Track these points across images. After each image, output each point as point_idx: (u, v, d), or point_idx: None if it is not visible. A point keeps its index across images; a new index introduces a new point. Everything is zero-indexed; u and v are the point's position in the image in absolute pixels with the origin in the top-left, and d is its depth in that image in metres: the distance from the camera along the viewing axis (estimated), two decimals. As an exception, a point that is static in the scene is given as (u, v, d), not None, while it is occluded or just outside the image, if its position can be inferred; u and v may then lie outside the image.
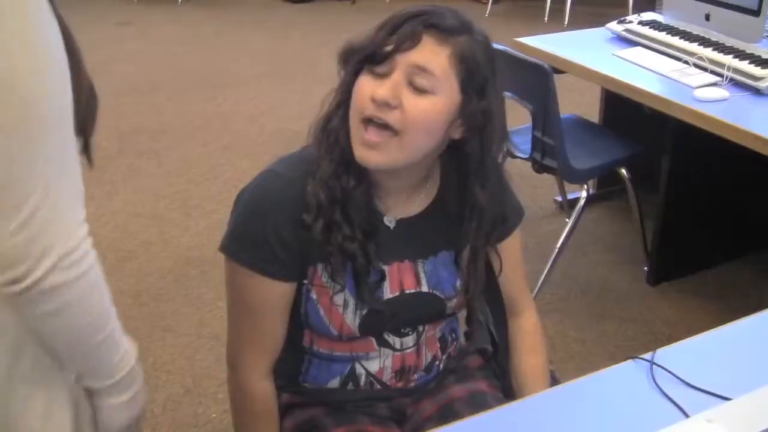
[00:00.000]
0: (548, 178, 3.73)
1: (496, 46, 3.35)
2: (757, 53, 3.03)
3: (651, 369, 1.48)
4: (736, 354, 1.55)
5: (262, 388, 1.61)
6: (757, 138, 2.58)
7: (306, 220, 1.47)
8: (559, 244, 3.32)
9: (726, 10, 3.23)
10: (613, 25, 3.55)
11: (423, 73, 1.39)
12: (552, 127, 3.10)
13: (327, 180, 1.46)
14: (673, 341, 1.59)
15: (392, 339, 1.62)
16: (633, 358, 1.52)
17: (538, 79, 3.03)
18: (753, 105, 2.83)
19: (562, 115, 3.12)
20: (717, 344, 1.59)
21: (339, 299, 1.53)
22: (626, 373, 1.50)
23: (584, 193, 3.36)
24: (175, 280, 3.48)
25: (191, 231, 3.87)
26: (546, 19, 7.20)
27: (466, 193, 1.54)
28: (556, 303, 3.31)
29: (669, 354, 1.53)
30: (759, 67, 2.92)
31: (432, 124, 1.43)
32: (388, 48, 1.40)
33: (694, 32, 3.29)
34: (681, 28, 3.35)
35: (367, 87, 1.42)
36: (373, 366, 1.63)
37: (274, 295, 1.53)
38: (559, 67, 3.30)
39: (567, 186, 3.77)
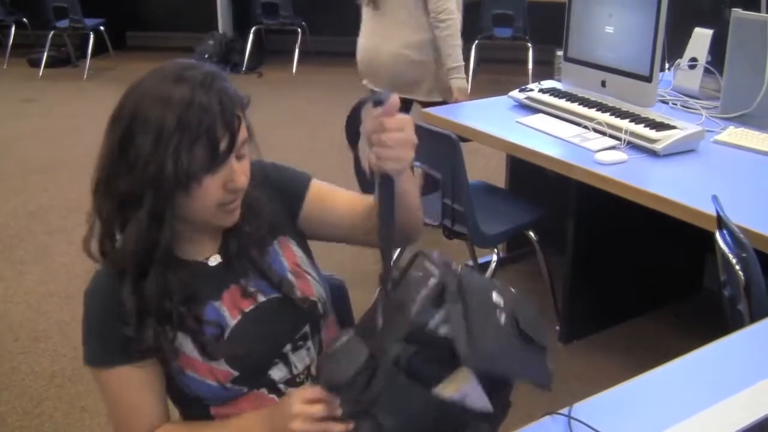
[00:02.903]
0: (460, 244, 3.81)
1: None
2: (651, 117, 3.18)
3: (569, 423, 1.54)
4: (649, 403, 1.62)
5: None
6: (655, 197, 2.70)
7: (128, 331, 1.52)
8: (472, 307, 3.39)
9: (620, 77, 3.39)
10: (515, 94, 3.67)
11: (243, 144, 1.50)
12: (460, 194, 3.18)
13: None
14: (588, 396, 1.64)
15: (284, 387, 1.63)
16: (551, 413, 1.57)
17: (445, 148, 3.12)
18: (650, 166, 2.96)
19: (469, 182, 3.22)
20: (630, 395, 1.65)
21: (190, 351, 1.56)
22: (545, 430, 1.55)
23: (495, 257, 3.46)
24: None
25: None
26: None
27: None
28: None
29: (585, 408, 1.58)
30: (654, 130, 3.06)
31: None
32: (224, 147, 1.45)
33: (592, 98, 3.44)
34: (579, 95, 3.50)
35: (212, 186, 1.48)
36: (279, 375, 1.64)
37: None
38: (466, 136, 3.40)
39: (478, 251, 3.86)
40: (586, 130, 3.22)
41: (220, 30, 8.86)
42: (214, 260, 1.62)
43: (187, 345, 1.54)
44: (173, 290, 1.52)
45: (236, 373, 1.56)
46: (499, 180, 4.08)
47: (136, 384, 1.54)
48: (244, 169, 1.51)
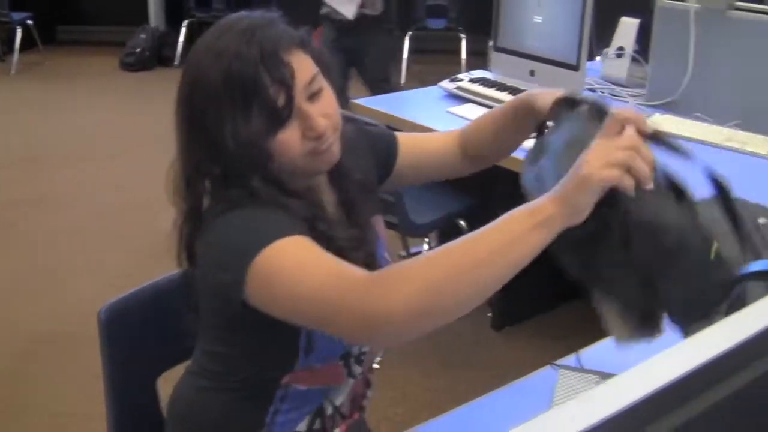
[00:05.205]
0: (391, 234, 3.81)
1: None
2: (578, 105, 3.21)
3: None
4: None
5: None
6: (583, 184, 2.72)
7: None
8: (405, 296, 3.40)
9: (549, 66, 3.42)
10: (446, 84, 3.69)
11: (312, 82, 1.41)
12: (391, 183, 3.18)
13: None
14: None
15: (355, 367, 1.59)
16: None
17: (375, 138, 3.12)
18: (577, 153, 2.99)
19: (400, 172, 3.21)
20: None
21: None
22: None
23: (426, 246, 3.47)
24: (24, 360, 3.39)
25: (44, 307, 3.77)
26: (383, 79, 7.38)
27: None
28: (405, 354, 3.38)
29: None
30: (581, 118, 3.09)
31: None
32: (282, 101, 1.36)
33: (521, 87, 3.46)
34: (509, 84, 3.52)
35: (291, 139, 1.40)
36: (339, 399, 1.61)
37: None
38: (396, 126, 3.40)
39: (410, 240, 3.87)
40: (515, 119, 3.24)
41: (152, 23, 8.76)
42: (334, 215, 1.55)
43: None
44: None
45: None
46: (432, 170, 4.09)
47: (318, 247, 1.33)
48: (323, 109, 1.41)
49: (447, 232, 3.97)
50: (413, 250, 3.83)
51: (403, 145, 1.72)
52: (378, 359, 3.22)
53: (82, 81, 7.74)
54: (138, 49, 8.30)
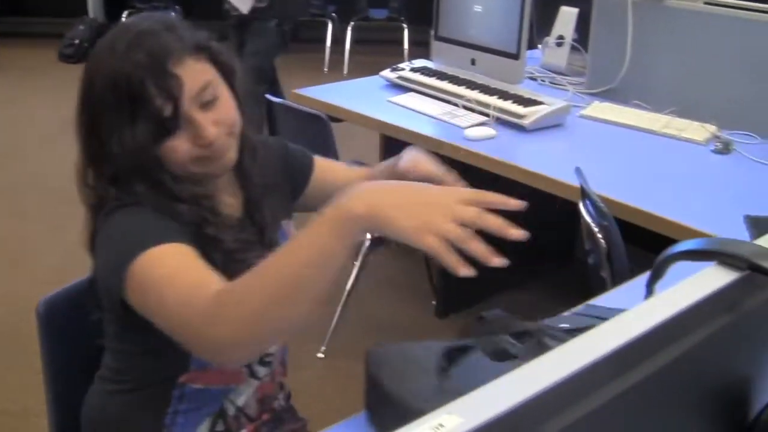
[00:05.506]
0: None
1: (276, 99, 3.42)
2: (519, 93, 3.24)
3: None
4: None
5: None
6: (524, 171, 2.76)
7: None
8: (348, 286, 3.41)
9: (489, 55, 3.44)
10: (387, 73, 3.69)
11: (204, 90, 1.42)
12: (334, 173, 3.18)
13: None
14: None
15: (257, 368, 1.61)
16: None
17: (316, 129, 3.12)
18: (518, 141, 3.02)
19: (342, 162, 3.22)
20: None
21: None
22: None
23: (369, 236, 3.47)
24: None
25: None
26: (326, 69, 7.37)
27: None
28: (353, 343, 3.38)
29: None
30: (521, 106, 3.12)
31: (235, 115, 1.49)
32: (169, 111, 1.38)
33: (462, 76, 3.48)
34: (450, 73, 3.53)
35: (180, 145, 1.42)
36: (241, 399, 1.60)
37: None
38: (338, 116, 3.40)
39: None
40: (456, 108, 3.26)
41: (91, 15, 8.63)
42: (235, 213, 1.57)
43: None
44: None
45: None
46: (375, 160, 4.10)
47: (194, 257, 1.34)
48: (216, 116, 1.42)
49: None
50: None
51: (318, 168, 1.76)
52: (323, 348, 3.23)
53: (19, 73, 7.60)
54: (77, 41, 8.17)
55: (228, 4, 4.96)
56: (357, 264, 3.45)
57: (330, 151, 3.12)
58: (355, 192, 1.17)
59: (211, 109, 1.42)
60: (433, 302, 3.58)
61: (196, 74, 1.40)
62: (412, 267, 3.84)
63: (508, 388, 0.70)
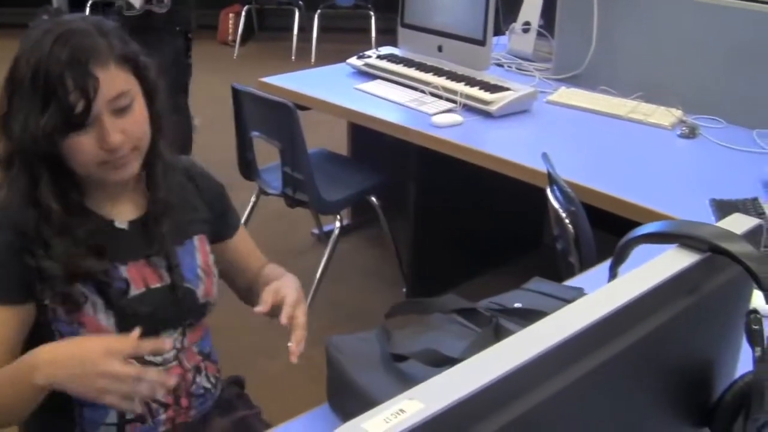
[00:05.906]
0: (305, 213, 3.81)
1: (241, 87, 3.39)
2: (486, 79, 3.24)
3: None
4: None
5: None
6: (491, 157, 2.76)
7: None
8: (318, 274, 3.40)
9: (456, 42, 3.43)
10: (353, 61, 3.67)
11: (119, 98, 1.46)
12: (300, 162, 3.18)
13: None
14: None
15: (152, 357, 1.60)
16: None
17: (283, 117, 3.11)
18: (485, 127, 3.02)
19: (310, 150, 3.22)
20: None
21: (88, 309, 1.51)
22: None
23: (338, 224, 3.47)
24: None
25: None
26: (293, 58, 7.34)
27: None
28: (323, 331, 3.35)
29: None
30: (488, 93, 3.12)
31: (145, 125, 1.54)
32: (81, 107, 1.42)
33: (429, 63, 3.47)
34: (417, 60, 3.53)
35: (85, 144, 1.45)
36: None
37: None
38: (305, 104, 3.38)
39: (323, 218, 3.86)
40: (423, 95, 3.25)
41: (55, 4, 8.54)
42: (121, 224, 1.59)
43: (91, 295, 1.51)
44: (79, 239, 1.49)
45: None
46: (343, 148, 4.09)
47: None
48: (124, 125, 1.47)
49: (359, 209, 3.99)
50: (327, 228, 3.83)
51: (238, 237, 1.83)
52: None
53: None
54: (41, 31, 8.09)
55: (120, 1, 4.29)
56: (327, 252, 3.45)
57: (297, 140, 3.11)
58: (39, 361, 1.37)
59: (122, 116, 1.46)
60: (404, 289, 3.58)
61: (115, 80, 1.45)
62: (383, 254, 3.84)
63: (470, 373, 0.69)
